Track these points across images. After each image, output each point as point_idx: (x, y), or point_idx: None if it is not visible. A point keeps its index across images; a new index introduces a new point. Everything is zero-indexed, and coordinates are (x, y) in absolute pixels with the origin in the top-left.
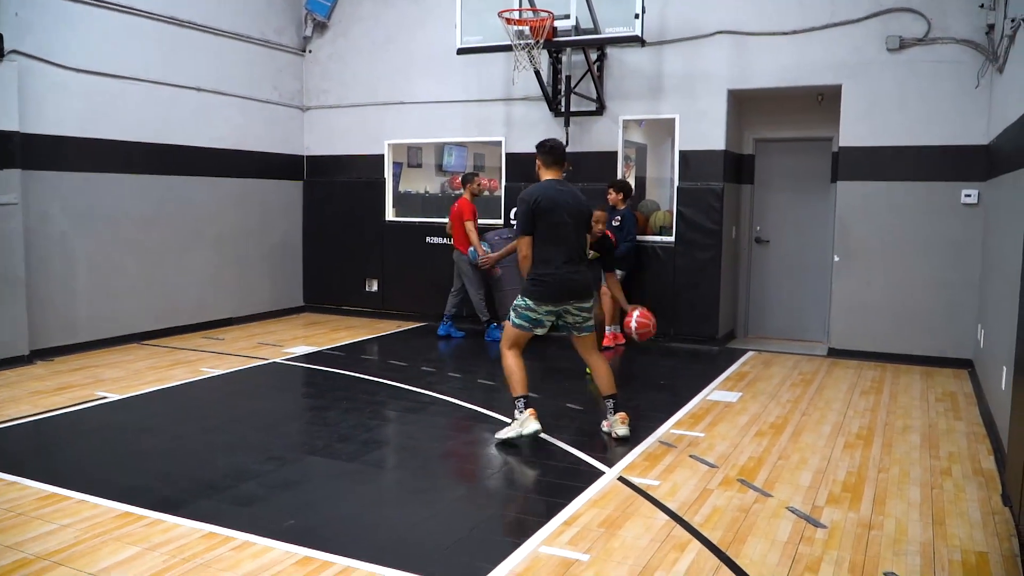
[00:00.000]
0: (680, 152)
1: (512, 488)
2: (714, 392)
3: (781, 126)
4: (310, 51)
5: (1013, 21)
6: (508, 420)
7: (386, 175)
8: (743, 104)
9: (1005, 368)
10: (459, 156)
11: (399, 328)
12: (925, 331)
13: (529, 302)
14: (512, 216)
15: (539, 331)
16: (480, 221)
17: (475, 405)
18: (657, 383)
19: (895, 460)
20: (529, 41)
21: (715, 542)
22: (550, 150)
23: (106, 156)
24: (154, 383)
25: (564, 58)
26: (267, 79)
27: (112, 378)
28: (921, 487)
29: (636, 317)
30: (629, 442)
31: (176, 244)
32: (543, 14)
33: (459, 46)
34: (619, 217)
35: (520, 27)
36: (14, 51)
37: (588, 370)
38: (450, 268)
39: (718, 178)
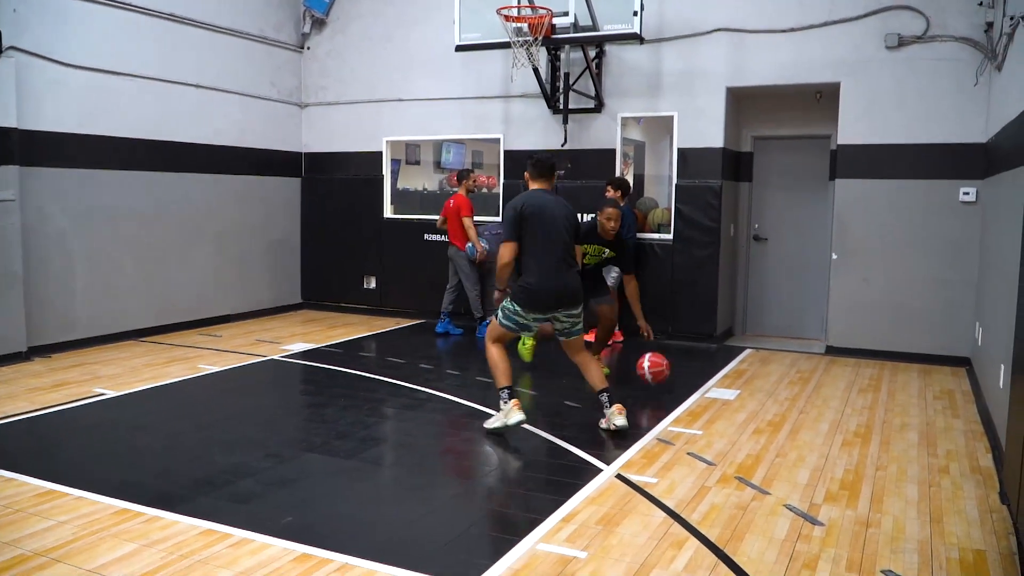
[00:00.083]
0: (678, 150)
1: (510, 485)
2: (712, 390)
3: (779, 124)
4: (308, 48)
5: (1012, 19)
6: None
7: (384, 172)
8: (741, 102)
9: (1003, 366)
10: (457, 153)
11: (397, 325)
12: (923, 329)
13: (518, 307)
14: None
15: (525, 334)
16: (475, 218)
17: (472, 402)
18: None
19: (893, 458)
20: (528, 38)
21: (713, 539)
22: (537, 162)
23: (104, 153)
24: (151, 380)
25: (563, 55)
26: (265, 76)
27: (109, 375)
28: (919, 485)
29: (649, 358)
30: (628, 433)
31: (174, 241)
32: (542, 11)
33: (457, 43)
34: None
35: (519, 24)
36: (12, 47)
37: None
38: (447, 265)
39: (716, 176)
